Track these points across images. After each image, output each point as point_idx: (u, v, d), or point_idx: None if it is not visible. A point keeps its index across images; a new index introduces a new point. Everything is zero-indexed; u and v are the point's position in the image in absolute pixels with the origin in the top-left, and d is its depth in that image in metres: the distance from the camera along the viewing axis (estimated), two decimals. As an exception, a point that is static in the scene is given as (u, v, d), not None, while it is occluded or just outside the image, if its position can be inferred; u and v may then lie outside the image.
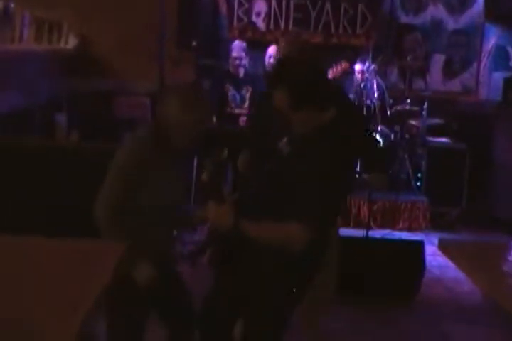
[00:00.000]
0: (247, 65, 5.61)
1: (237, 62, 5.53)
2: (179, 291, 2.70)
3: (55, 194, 3.33)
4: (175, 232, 2.90)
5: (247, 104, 5.56)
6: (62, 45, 6.03)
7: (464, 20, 6.78)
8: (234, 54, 5.56)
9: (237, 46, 5.65)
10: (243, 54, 5.55)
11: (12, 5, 4.56)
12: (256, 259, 2.44)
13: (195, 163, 5.15)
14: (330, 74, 5.22)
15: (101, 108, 6.06)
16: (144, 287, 2.42)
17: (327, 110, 2.38)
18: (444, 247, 2.51)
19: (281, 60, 2.88)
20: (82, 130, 5.66)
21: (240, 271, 2.53)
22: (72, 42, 6.17)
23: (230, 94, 5.54)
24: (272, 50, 6.02)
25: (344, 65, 6.23)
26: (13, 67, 4.61)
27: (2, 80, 4.41)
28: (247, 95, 5.54)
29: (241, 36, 6.53)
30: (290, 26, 6.75)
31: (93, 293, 1.57)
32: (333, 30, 6.72)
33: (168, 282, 2.62)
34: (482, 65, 6.83)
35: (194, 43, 6.06)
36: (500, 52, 6.79)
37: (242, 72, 5.57)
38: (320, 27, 6.71)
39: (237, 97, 5.55)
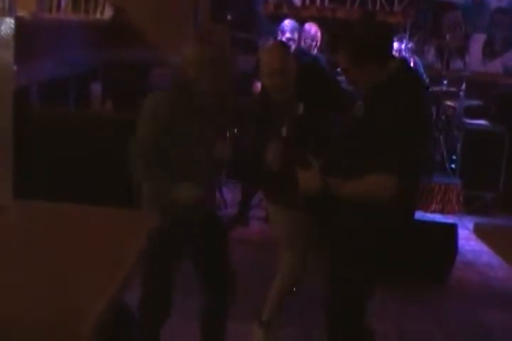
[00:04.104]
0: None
1: (290, 42, 5.42)
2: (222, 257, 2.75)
3: (91, 162, 3.36)
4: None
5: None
6: (98, 15, 6.01)
7: (509, -3, 6.61)
8: (287, 34, 5.44)
9: (291, 26, 5.52)
10: (296, 35, 5.44)
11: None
12: (347, 220, 2.49)
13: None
14: None
15: (135, 78, 6.05)
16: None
17: (389, 63, 2.41)
18: (480, 232, 2.45)
19: (337, 27, 2.99)
20: (116, 99, 5.66)
21: (332, 233, 2.60)
22: (108, 13, 6.14)
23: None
24: (310, 27, 5.89)
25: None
26: (50, 37, 4.60)
27: (39, 49, 4.41)
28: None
29: (276, 11, 6.43)
30: (326, 3, 6.63)
31: (128, 260, 1.58)
32: (370, 7, 6.59)
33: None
34: (525, 45, 6.66)
35: (229, 17, 6.00)
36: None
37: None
38: (357, 3, 6.59)
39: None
